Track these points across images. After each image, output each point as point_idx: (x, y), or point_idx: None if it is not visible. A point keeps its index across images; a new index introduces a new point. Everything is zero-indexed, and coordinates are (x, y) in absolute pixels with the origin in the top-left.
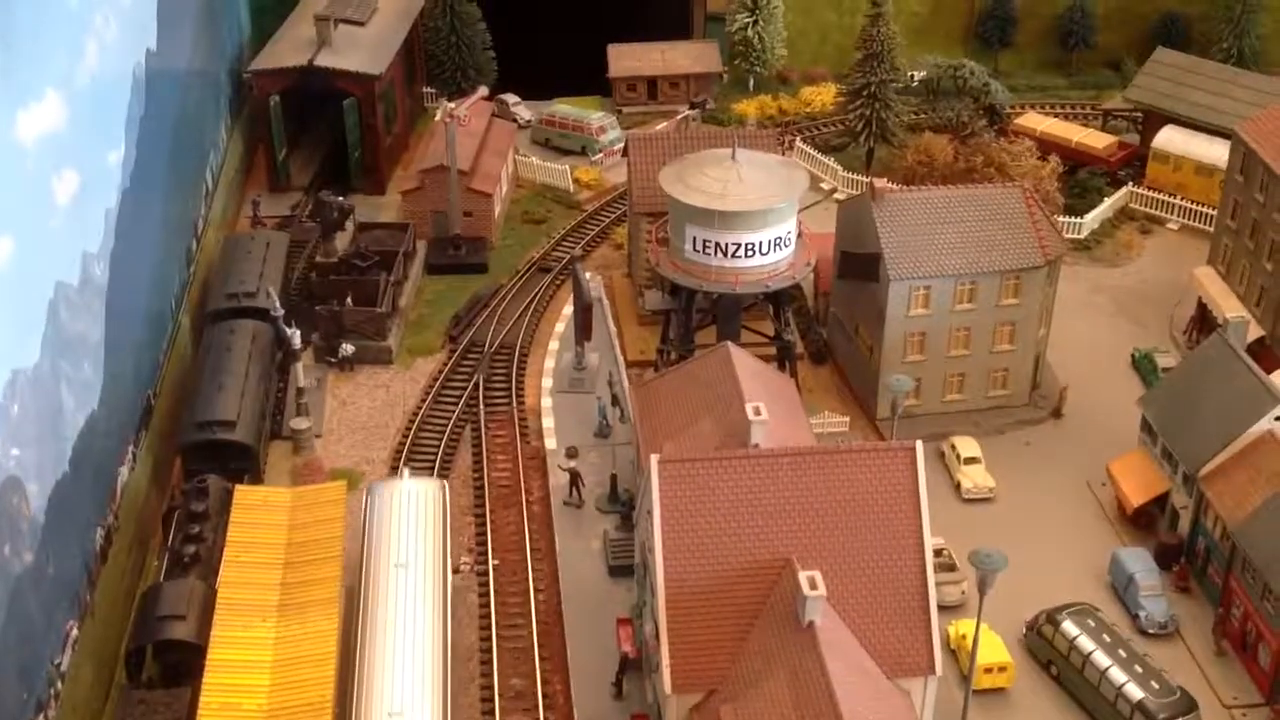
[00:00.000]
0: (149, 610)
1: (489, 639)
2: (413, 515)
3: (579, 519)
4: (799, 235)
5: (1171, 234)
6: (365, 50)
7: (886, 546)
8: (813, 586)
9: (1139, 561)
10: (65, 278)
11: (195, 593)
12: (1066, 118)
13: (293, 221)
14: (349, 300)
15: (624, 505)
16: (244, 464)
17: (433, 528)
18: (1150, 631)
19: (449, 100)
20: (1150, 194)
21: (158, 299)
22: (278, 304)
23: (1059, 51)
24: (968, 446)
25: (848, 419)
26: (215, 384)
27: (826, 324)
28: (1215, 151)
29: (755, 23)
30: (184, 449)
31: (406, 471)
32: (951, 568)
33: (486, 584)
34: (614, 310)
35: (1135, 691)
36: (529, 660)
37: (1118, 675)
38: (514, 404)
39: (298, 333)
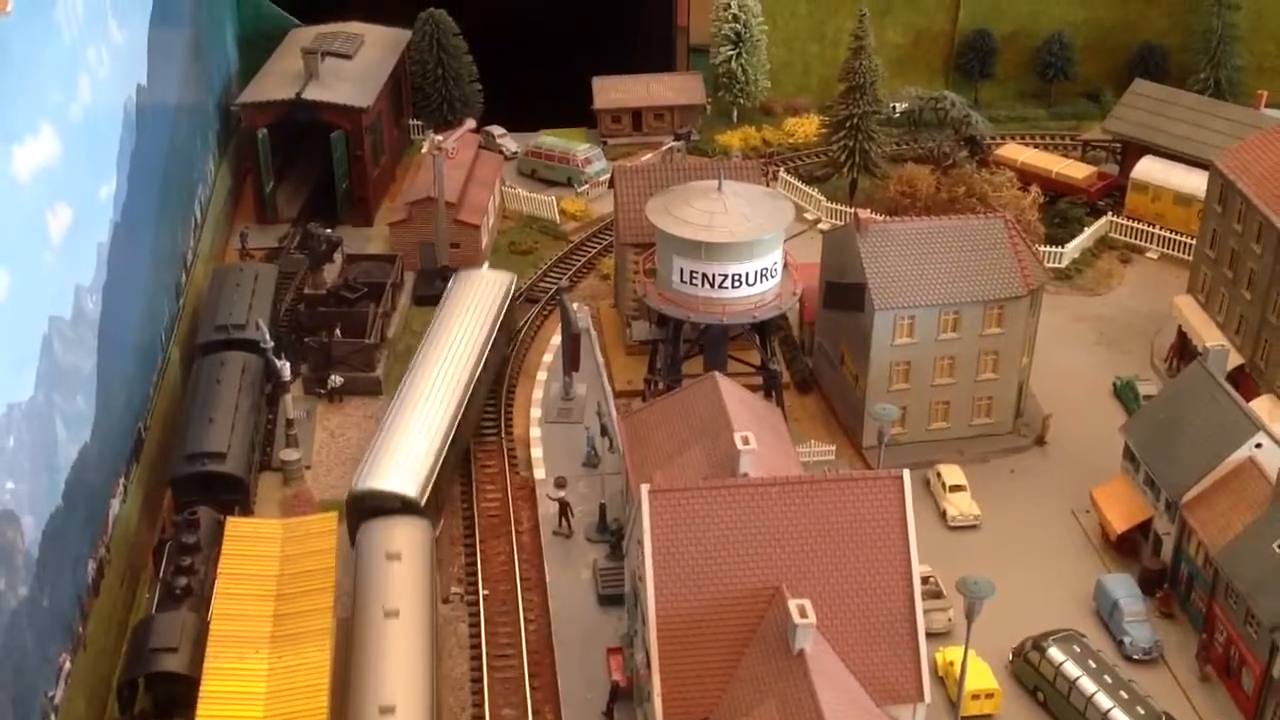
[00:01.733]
0: (141, 642)
1: (479, 669)
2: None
3: (568, 549)
4: (785, 266)
5: (1151, 263)
6: (352, 83)
7: (875, 574)
8: (803, 614)
9: (1123, 588)
10: (58, 311)
11: (187, 624)
12: (1047, 148)
13: (281, 253)
14: (338, 332)
15: (613, 535)
16: (234, 496)
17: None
18: (1135, 657)
19: (436, 132)
20: (1130, 223)
21: (148, 331)
22: (267, 336)
23: (1039, 83)
24: (953, 474)
25: (834, 448)
26: (205, 416)
27: (812, 353)
28: (1193, 182)
29: (739, 55)
30: (175, 481)
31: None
32: (938, 595)
33: (477, 614)
34: (602, 341)
35: (1121, 717)
36: (520, 690)
37: (1103, 701)
38: (503, 434)
39: (287, 364)
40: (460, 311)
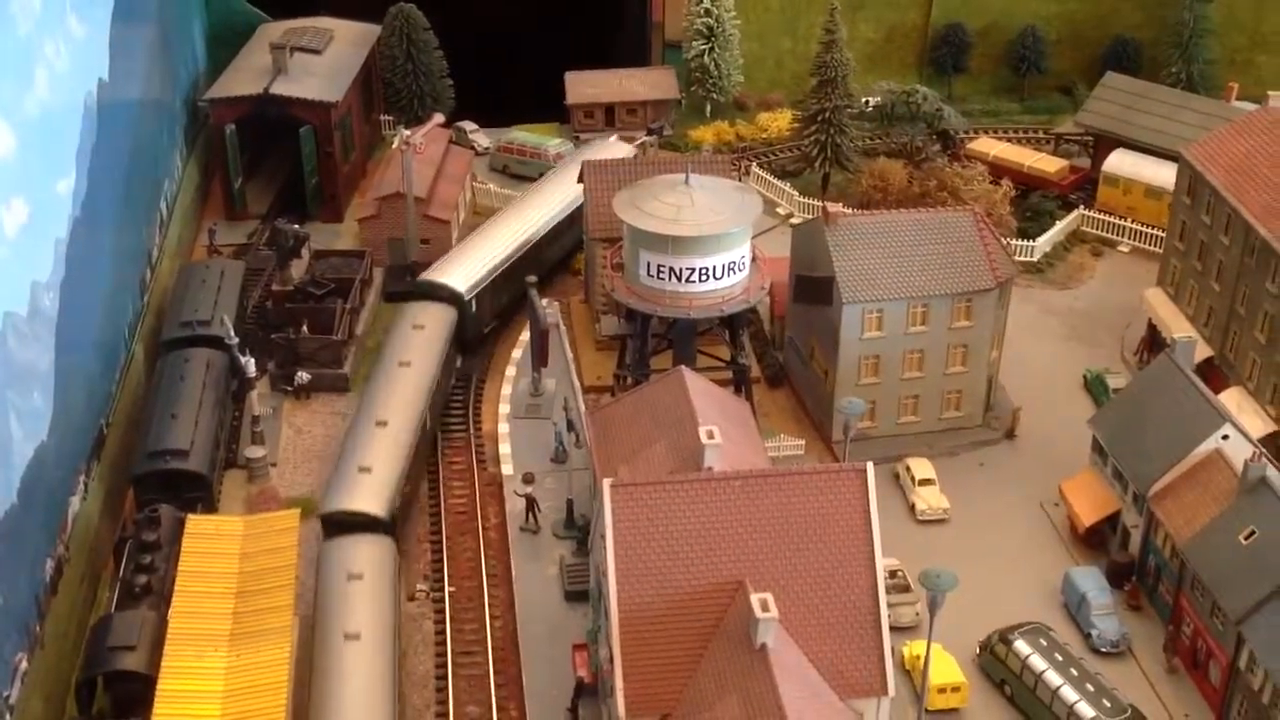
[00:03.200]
0: (99, 641)
1: (444, 666)
2: None
3: (536, 545)
4: (753, 260)
5: (1123, 256)
6: (322, 78)
7: (839, 568)
8: (765, 608)
9: (1091, 580)
10: (13, 307)
11: (146, 623)
12: (1019, 142)
13: (249, 249)
14: (305, 328)
15: (580, 530)
16: (198, 493)
17: None
18: (1102, 650)
19: (406, 128)
20: (1101, 217)
21: (110, 328)
22: (232, 332)
23: (1011, 76)
24: (922, 468)
25: (803, 442)
26: (168, 413)
27: (782, 348)
28: (1164, 175)
29: (711, 50)
30: (137, 478)
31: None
32: (906, 589)
33: (442, 611)
34: (571, 336)
35: (1087, 710)
36: (485, 687)
37: (1069, 694)
38: (471, 430)
39: (252, 361)
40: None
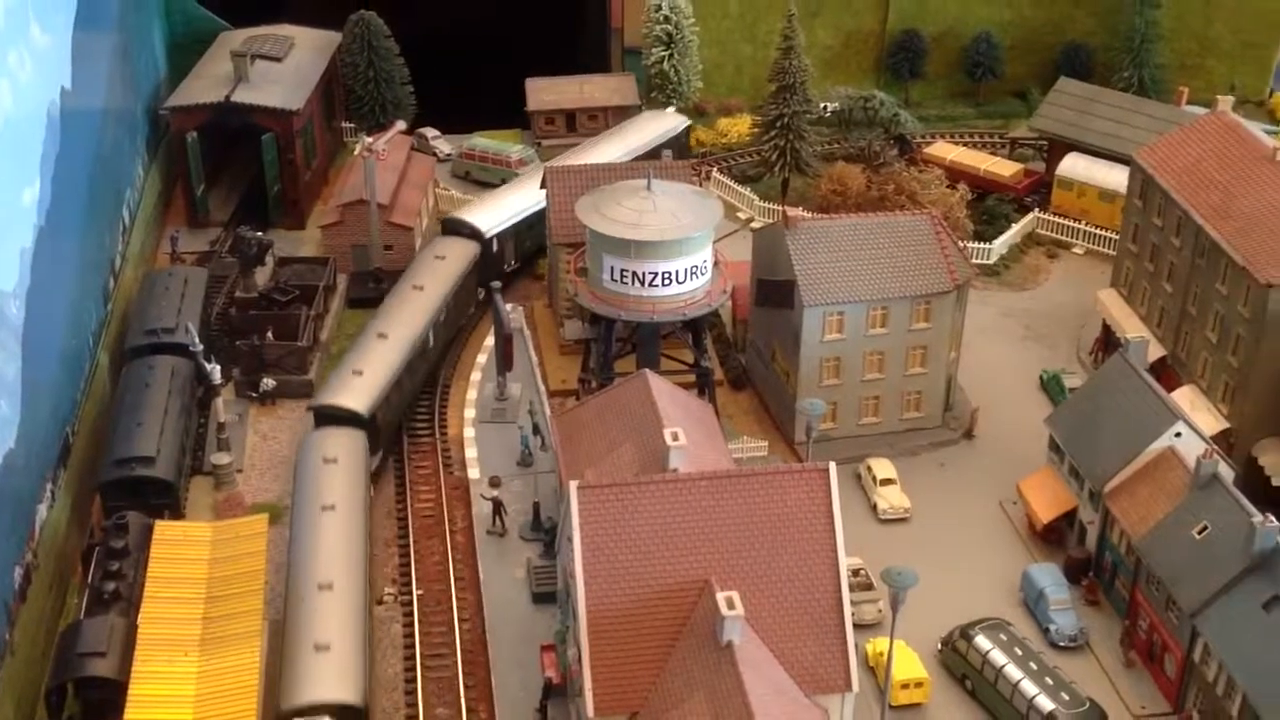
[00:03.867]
0: (69, 647)
1: (413, 669)
2: None
3: (503, 547)
4: (715, 264)
5: (1077, 258)
6: (283, 86)
7: (803, 566)
8: (730, 606)
9: (1049, 577)
10: None
11: (116, 629)
12: (975, 147)
13: (212, 257)
14: (269, 335)
15: (547, 533)
16: (164, 500)
17: None
18: (1061, 644)
19: (368, 135)
20: (1056, 220)
21: (75, 336)
22: (196, 339)
23: (967, 82)
24: (883, 468)
25: (766, 443)
26: (134, 420)
27: (745, 351)
28: (1117, 177)
29: (671, 56)
30: (104, 486)
31: None
32: (869, 587)
33: (411, 614)
34: (535, 340)
35: (1046, 703)
36: (454, 689)
37: (1029, 688)
38: (437, 435)
39: (217, 368)
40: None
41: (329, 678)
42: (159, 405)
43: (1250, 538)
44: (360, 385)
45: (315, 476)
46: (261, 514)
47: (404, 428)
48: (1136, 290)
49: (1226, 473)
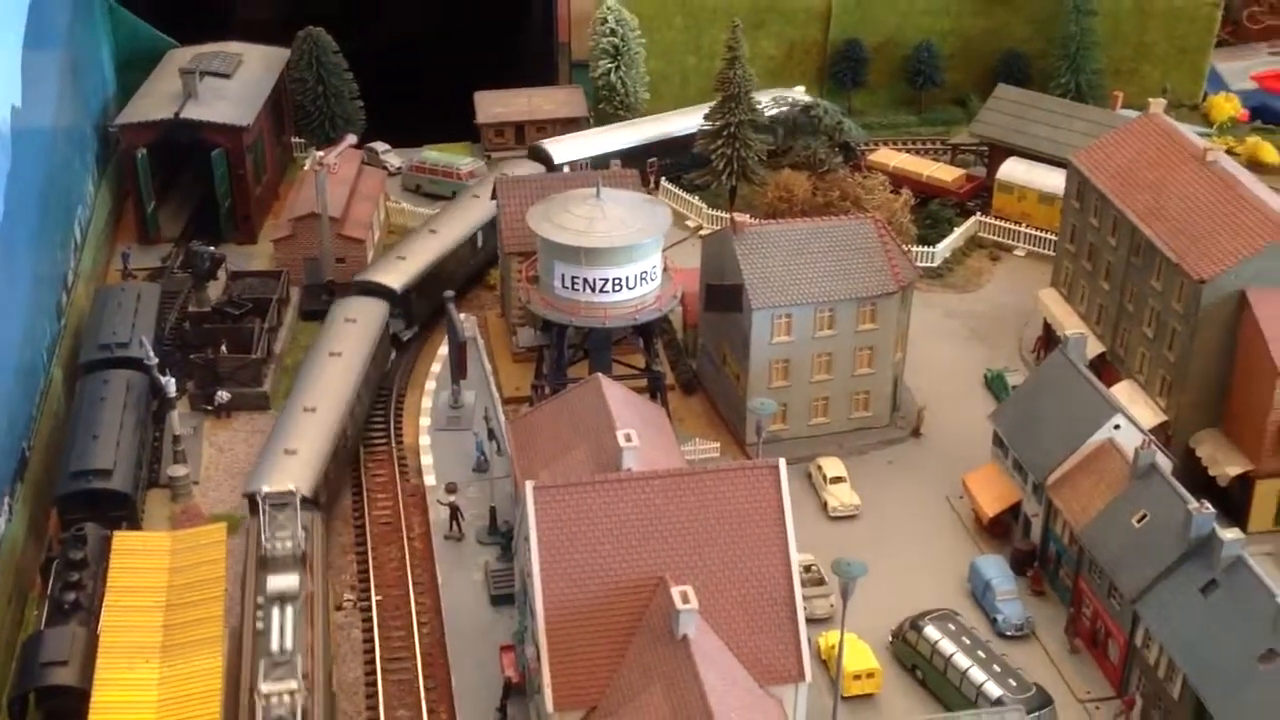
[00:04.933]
0: (30, 657)
1: (373, 673)
2: None
3: (460, 552)
4: (664, 269)
5: (1019, 260)
6: (232, 102)
7: (755, 560)
8: (685, 601)
9: (995, 568)
10: None
11: (77, 638)
12: (917, 153)
13: (164, 273)
14: (223, 348)
15: (504, 536)
16: (121, 512)
17: None
18: (1008, 633)
19: (318, 150)
20: (997, 223)
21: (29, 352)
22: (151, 353)
23: (908, 90)
24: (833, 467)
25: (718, 445)
26: (90, 433)
27: (696, 355)
28: (1055, 181)
29: (618, 68)
30: (60, 499)
31: None
32: (820, 582)
33: (370, 620)
34: (489, 348)
35: (994, 689)
36: (414, 692)
37: (977, 675)
38: (393, 443)
39: (172, 381)
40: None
41: (292, 472)
42: (114, 419)
43: (1187, 525)
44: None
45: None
46: (221, 523)
47: (360, 436)
48: (1076, 289)
49: (1164, 463)
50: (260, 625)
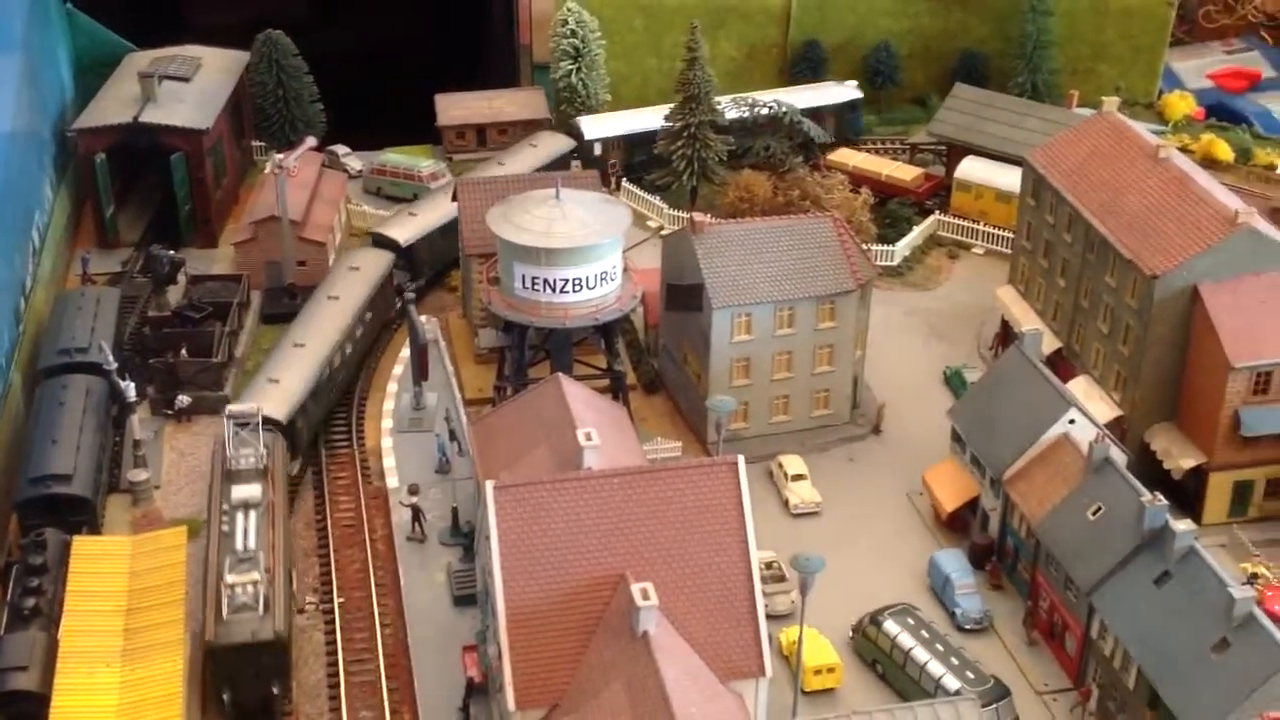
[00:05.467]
0: None
1: (336, 675)
2: None
3: (423, 553)
4: (624, 269)
5: (977, 258)
6: (191, 105)
7: (715, 556)
8: (645, 598)
9: (954, 562)
10: None
11: (37, 643)
12: (877, 152)
13: (124, 277)
14: (184, 352)
15: (466, 537)
16: (81, 517)
17: None
18: (967, 627)
19: (278, 153)
20: (956, 221)
21: None
22: (110, 358)
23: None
24: (794, 464)
25: (680, 444)
26: (49, 438)
27: (657, 355)
28: (1013, 179)
29: (578, 70)
30: (20, 505)
31: None
32: (781, 578)
33: (333, 622)
34: (451, 350)
35: (952, 682)
36: (377, 693)
37: (936, 668)
38: (355, 446)
39: (132, 385)
40: None
41: (270, 397)
42: (74, 424)
43: (1140, 517)
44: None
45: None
46: (181, 526)
47: (322, 440)
48: (1033, 286)
49: (1119, 456)
50: (226, 529)
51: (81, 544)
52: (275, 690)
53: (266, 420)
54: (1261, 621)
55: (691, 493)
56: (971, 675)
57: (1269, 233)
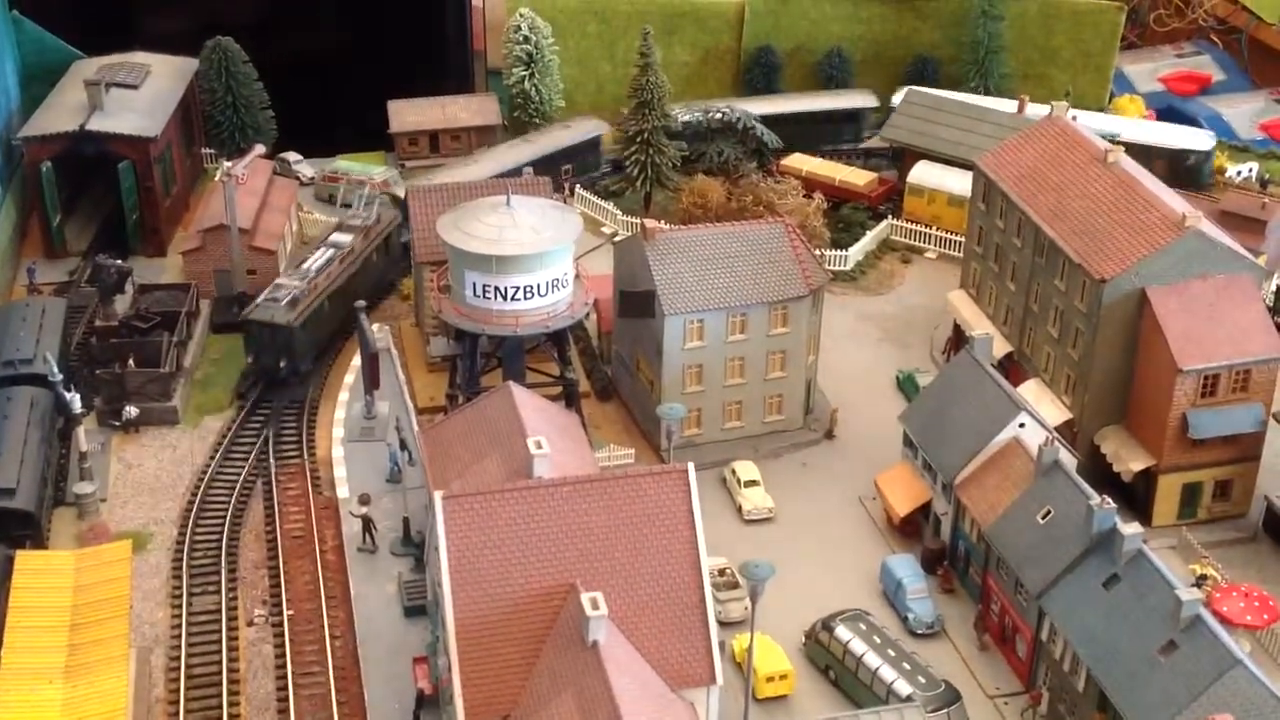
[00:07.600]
0: None
1: (285, 688)
2: None
3: (373, 564)
4: (576, 276)
5: (930, 262)
6: (139, 113)
7: (665, 564)
8: (595, 607)
9: (906, 567)
10: None
11: None
12: (829, 157)
13: (71, 287)
14: (131, 362)
15: (417, 547)
16: (26, 531)
17: None
18: (919, 632)
19: (228, 160)
20: (908, 226)
21: None
22: (55, 369)
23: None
24: (747, 470)
25: (633, 451)
26: None
27: (611, 362)
28: (965, 184)
29: (532, 75)
30: None
31: None
32: (735, 585)
33: (282, 635)
34: (403, 359)
35: (904, 687)
36: (326, 706)
37: (888, 673)
38: (305, 456)
39: (77, 397)
40: None
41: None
42: (18, 436)
43: (1089, 520)
44: None
45: None
46: (125, 540)
47: (272, 449)
48: (984, 290)
49: (1068, 459)
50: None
51: (25, 559)
52: (282, 364)
53: None
54: (1208, 623)
55: (642, 500)
56: (923, 680)
57: (1216, 236)
